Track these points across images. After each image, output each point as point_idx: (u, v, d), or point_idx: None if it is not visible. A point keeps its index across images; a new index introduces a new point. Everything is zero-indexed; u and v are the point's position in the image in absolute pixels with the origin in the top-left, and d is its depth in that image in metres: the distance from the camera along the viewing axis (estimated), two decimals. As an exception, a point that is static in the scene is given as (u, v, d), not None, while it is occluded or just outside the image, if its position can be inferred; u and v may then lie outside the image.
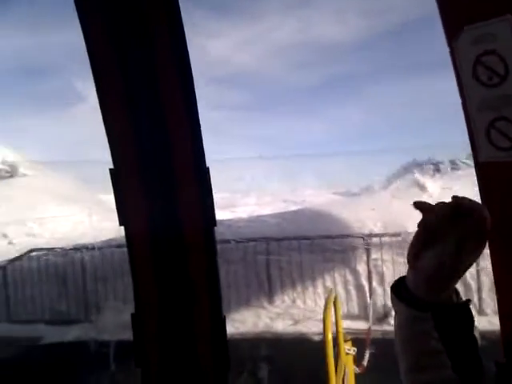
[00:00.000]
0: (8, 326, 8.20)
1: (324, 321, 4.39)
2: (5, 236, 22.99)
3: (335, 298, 5.12)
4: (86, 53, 1.09)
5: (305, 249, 9.17)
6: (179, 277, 1.21)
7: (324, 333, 4.28)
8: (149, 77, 1.09)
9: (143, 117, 1.13)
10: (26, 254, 9.75)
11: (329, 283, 8.97)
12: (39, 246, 10.72)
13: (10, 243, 21.76)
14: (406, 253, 0.84)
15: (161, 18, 1.05)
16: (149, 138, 1.14)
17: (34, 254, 9.91)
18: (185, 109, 1.12)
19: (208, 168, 1.17)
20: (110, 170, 1.14)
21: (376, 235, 9.27)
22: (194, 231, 1.17)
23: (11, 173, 29.76)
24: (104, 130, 1.14)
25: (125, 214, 1.18)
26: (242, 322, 8.34)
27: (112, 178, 1.15)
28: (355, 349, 5.06)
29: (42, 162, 30.54)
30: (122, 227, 1.18)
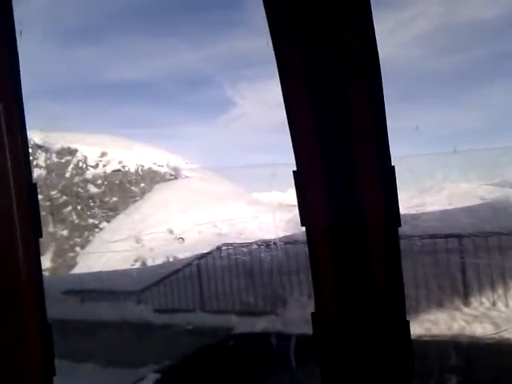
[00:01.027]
0: (202, 316, 8.78)
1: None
2: (170, 231, 25.87)
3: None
4: (273, 52, 1.13)
5: (505, 246, 8.11)
6: (360, 277, 1.18)
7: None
8: (334, 74, 1.08)
9: (327, 116, 1.12)
10: (216, 249, 10.47)
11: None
12: (224, 242, 11.48)
13: (175, 239, 24.42)
14: None
15: (349, 14, 1.03)
16: (332, 137, 1.13)
17: (223, 248, 10.54)
18: (370, 105, 1.08)
19: (393, 166, 1.11)
20: (294, 171, 1.16)
21: None
22: (376, 231, 1.13)
23: (175, 175, 33.51)
24: (287, 134, 1.16)
25: (307, 215, 1.19)
26: (433, 323, 7.71)
27: (295, 180, 1.17)
28: None
29: (201, 166, 33.71)
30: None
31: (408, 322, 1.15)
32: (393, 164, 1.10)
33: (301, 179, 1.18)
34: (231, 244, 10.71)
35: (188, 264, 10.18)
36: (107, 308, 8.64)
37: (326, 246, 1.18)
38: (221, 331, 8.00)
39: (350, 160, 1.13)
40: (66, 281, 11.29)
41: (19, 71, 1.25)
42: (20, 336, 1.17)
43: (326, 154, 1.14)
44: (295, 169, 1.16)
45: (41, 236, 1.28)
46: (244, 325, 8.59)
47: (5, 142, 1.17)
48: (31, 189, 1.25)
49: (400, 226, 1.10)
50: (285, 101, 1.15)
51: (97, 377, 6.92)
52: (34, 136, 32.86)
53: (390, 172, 1.11)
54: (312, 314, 1.26)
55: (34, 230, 1.25)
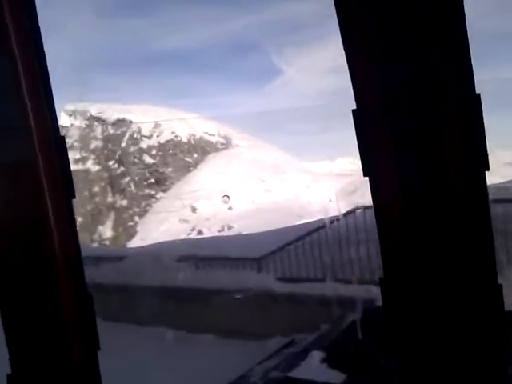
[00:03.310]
0: (334, 286, 7.30)
1: None
2: (225, 201, 26.21)
3: None
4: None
5: None
6: (439, 233, 0.97)
7: None
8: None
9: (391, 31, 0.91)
10: (347, 213, 8.78)
11: None
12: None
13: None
14: None
15: None
16: (397, 66, 0.92)
17: (358, 211, 8.70)
18: (447, 21, 0.86)
19: (478, 95, 0.88)
20: (353, 110, 0.96)
21: None
22: (458, 178, 0.91)
23: (226, 144, 33.67)
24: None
25: (370, 162, 0.99)
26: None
27: (355, 120, 0.97)
28: None
29: (250, 134, 33.68)
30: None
31: (500, 285, 0.94)
32: (477, 92, 0.88)
33: (361, 119, 0.98)
34: (368, 206, 9.01)
35: (315, 229, 8.26)
36: (224, 276, 7.91)
37: (395, 197, 0.98)
38: (360, 303, 6.99)
39: (421, 88, 0.91)
40: (177, 247, 10.36)
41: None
42: (57, 308, 1.08)
43: (391, 84, 0.93)
44: (354, 107, 0.96)
45: (74, 197, 1.16)
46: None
47: (23, 89, 1.05)
48: (59, 143, 1.13)
49: (488, 169, 0.89)
50: (342, 37, 0.95)
51: (219, 349, 6.32)
52: (91, 108, 34.10)
53: (475, 101, 0.88)
54: (380, 279, 1.08)
55: (66, 189, 1.14)
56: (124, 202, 28.86)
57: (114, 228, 27.70)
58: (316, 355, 5.66)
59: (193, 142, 31.58)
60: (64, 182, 1.15)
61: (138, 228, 26.96)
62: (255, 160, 27.65)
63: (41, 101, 1.10)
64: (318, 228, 8.57)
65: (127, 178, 29.36)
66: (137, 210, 28.60)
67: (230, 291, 7.20)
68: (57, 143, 1.13)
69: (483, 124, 0.89)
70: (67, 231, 1.14)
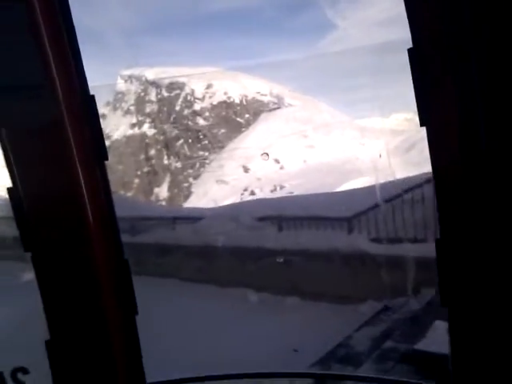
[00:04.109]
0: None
1: None
2: (277, 161, 26.12)
3: None
4: None
5: None
6: (499, 201, 0.85)
7: None
8: None
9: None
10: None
11: None
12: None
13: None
14: None
15: None
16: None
17: None
18: None
19: None
20: (409, 50, 0.82)
21: None
22: None
23: (278, 104, 33.15)
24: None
25: (427, 110, 0.86)
26: None
27: (411, 63, 0.84)
28: None
29: (303, 93, 32.90)
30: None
31: None
32: None
33: (420, 61, 0.84)
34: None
35: (411, 188, 7.33)
36: (312, 236, 7.26)
37: (455, 152, 0.86)
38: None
39: (489, 27, 0.75)
40: (259, 206, 9.33)
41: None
42: (93, 273, 1.05)
43: (452, 20, 0.77)
44: (411, 46, 0.82)
45: (106, 159, 1.10)
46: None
47: (46, 46, 0.99)
48: (88, 102, 1.07)
49: None
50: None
51: (306, 313, 5.77)
52: (147, 73, 34.59)
53: None
54: (436, 240, 1.00)
55: (97, 150, 1.08)
56: (178, 164, 29.54)
57: (170, 189, 28.56)
58: (441, 326, 4.70)
59: (245, 103, 31.38)
60: (95, 143, 1.09)
61: (193, 189, 27.62)
62: (307, 119, 27.12)
63: (66, 59, 1.03)
64: (412, 187, 7.29)
65: (181, 141, 29.90)
66: (191, 171, 29.23)
67: (317, 252, 6.67)
68: (86, 103, 1.07)
69: None
70: (100, 194, 1.09)
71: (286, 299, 6.34)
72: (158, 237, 8.63)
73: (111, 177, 1.16)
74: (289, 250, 7.01)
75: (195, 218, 9.22)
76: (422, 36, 0.82)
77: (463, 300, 0.96)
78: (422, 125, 0.84)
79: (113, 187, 1.18)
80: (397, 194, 7.27)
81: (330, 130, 25.04)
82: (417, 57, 0.82)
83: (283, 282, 6.60)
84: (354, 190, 10.85)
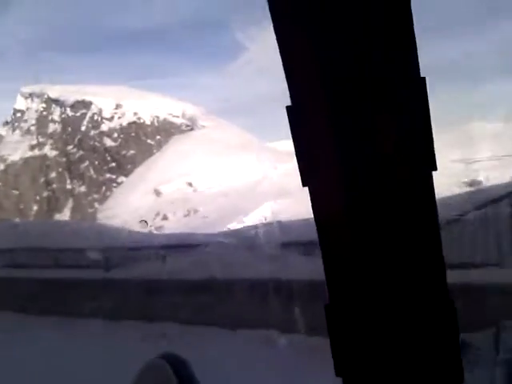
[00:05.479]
0: None
1: None
2: (189, 184, 25.68)
3: None
4: None
5: None
6: (383, 240, 0.75)
7: None
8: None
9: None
10: None
11: None
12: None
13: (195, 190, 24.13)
14: None
15: None
16: (337, 59, 0.58)
17: None
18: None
19: (424, 78, 0.66)
20: (288, 107, 0.64)
21: None
22: (402, 177, 0.70)
23: (191, 126, 32.85)
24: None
25: (308, 168, 0.70)
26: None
27: (290, 120, 0.64)
28: None
29: (215, 115, 32.93)
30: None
31: (452, 301, 0.73)
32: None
33: (298, 117, 0.64)
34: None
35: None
36: None
37: (340, 210, 0.69)
38: None
39: (360, 76, 0.60)
40: (260, 233, 7.09)
41: None
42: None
43: (330, 79, 0.60)
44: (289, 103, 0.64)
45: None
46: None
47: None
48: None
49: (436, 169, 0.69)
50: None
51: None
52: (49, 90, 32.48)
53: (420, 86, 0.66)
54: (325, 306, 0.88)
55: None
56: (83, 188, 27.83)
57: (72, 215, 26.73)
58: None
59: (156, 124, 30.65)
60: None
61: (99, 215, 26.11)
62: (221, 141, 27.10)
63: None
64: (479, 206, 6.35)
65: (86, 163, 28.27)
66: (96, 196, 27.66)
67: None
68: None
69: (429, 114, 0.65)
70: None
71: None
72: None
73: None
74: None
75: (190, 244, 7.32)
76: (301, 93, 0.62)
77: (359, 370, 0.80)
78: (304, 185, 0.66)
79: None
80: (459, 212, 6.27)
81: (243, 153, 25.20)
82: (296, 114, 0.62)
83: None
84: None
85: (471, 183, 20.38)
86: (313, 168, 0.70)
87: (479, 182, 20.23)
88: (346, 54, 0.67)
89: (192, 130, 31.27)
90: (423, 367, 0.85)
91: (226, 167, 24.40)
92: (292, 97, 0.65)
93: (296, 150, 0.70)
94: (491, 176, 19.55)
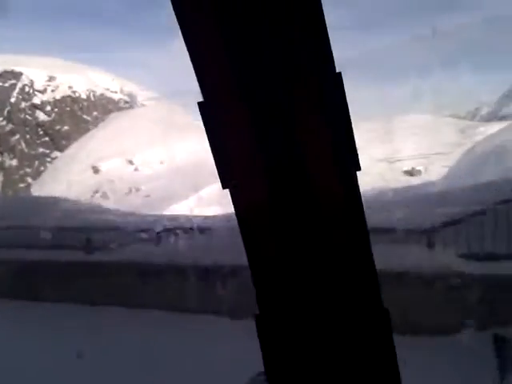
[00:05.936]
0: None
1: None
2: (130, 162, 25.05)
3: None
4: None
5: None
6: (309, 245, 0.84)
7: None
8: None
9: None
10: None
11: None
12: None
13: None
14: None
15: None
16: (248, 52, 0.73)
17: None
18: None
19: (339, 73, 0.70)
20: (200, 103, 0.76)
21: None
22: (325, 179, 0.78)
23: (130, 103, 31.78)
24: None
25: (227, 169, 0.79)
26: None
27: (203, 117, 0.77)
28: None
29: (157, 94, 32.05)
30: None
31: (387, 310, 0.82)
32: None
33: (211, 114, 0.78)
34: None
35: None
36: (380, 251, 4.94)
37: (264, 210, 0.82)
38: None
39: (275, 70, 0.73)
40: None
41: None
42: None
43: (242, 72, 0.74)
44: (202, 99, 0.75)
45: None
46: None
47: None
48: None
49: (359, 169, 0.75)
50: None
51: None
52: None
53: (336, 81, 0.71)
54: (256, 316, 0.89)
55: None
56: (14, 162, 26.29)
57: (3, 190, 25.25)
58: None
59: (93, 99, 29.34)
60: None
61: (32, 190, 24.86)
62: (162, 121, 26.58)
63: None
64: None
65: (17, 136, 26.66)
66: (29, 170, 26.23)
67: (392, 271, 5.00)
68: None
69: (348, 110, 0.73)
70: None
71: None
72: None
73: None
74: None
75: (191, 228, 6.62)
76: (212, 87, 0.75)
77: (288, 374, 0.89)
78: (224, 187, 0.76)
79: None
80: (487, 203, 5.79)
81: (185, 134, 24.93)
82: (207, 111, 0.75)
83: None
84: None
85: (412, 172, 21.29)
86: (233, 170, 0.73)
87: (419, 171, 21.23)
88: (258, 48, 0.70)
89: (131, 107, 30.25)
90: (359, 374, 0.82)
91: (168, 147, 24.08)
92: (203, 91, 0.71)
93: (213, 150, 0.76)
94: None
